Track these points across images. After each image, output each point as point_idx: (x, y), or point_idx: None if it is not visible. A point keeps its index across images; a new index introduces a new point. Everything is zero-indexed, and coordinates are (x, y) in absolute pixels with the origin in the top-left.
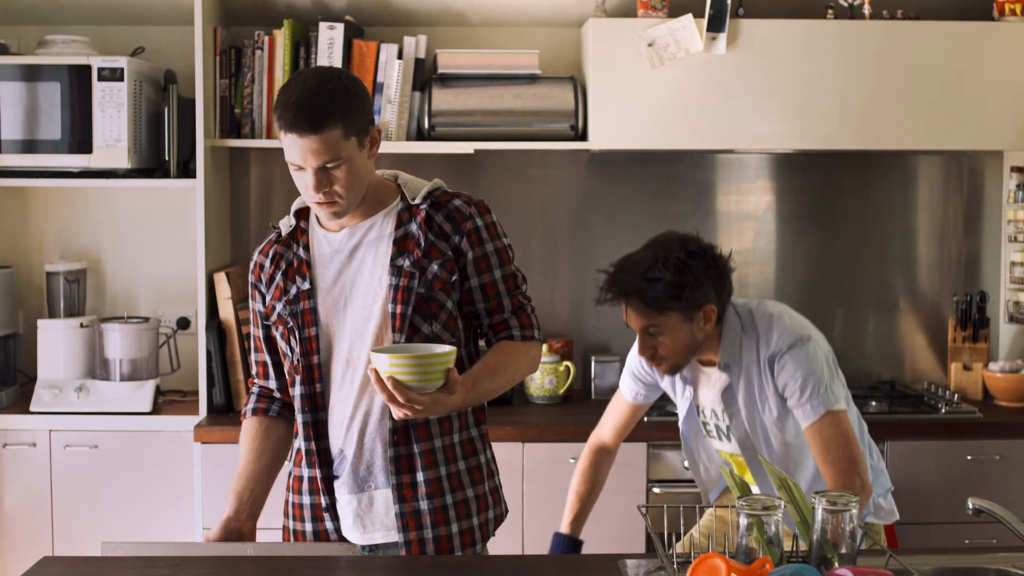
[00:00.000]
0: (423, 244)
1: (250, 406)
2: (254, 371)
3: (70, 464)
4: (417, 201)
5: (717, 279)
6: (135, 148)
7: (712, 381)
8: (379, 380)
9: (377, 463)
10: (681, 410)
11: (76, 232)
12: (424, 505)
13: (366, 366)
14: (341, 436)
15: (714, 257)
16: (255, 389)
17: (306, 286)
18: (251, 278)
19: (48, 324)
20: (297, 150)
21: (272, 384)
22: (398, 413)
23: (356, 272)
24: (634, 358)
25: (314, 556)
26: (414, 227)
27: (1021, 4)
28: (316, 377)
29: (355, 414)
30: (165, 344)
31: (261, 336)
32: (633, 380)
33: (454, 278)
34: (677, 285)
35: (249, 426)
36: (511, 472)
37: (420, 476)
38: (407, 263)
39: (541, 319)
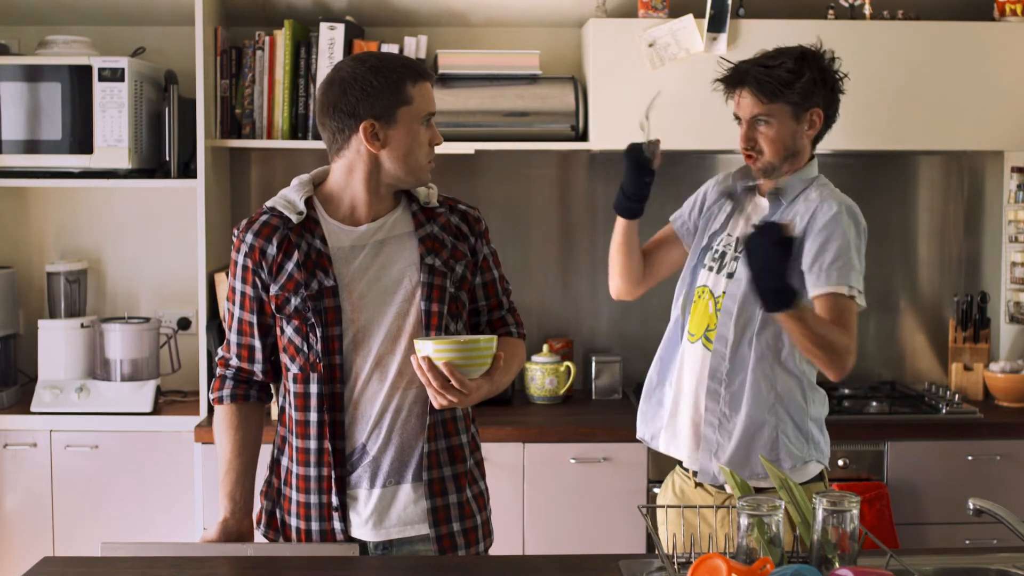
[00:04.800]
0: (448, 246)
1: (226, 391)
2: (233, 352)
3: (70, 464)
4: (434, 204)
5: (829, 90)
6: (136, 148)
7: (756, 207)
8: (431, 367)
9: (408, 458)
10: (712, 230)
11: (77, 232)
12: (453, 499)
13: (400, 362)
14: (365, 434)
15: (832, 68)
16: (229, 372)
17: (330, 282)
18: (242, 259)
19: (49, 324)
20: (432, 99)
21: (257, 368)
22: (443, 401)
23: (382, 268)
24: (707, 184)
25: (314, 556)
26: (436, 228)
27: (1021, 4)
28: (338, 377)
29: (384, 412)
30: (166, 344)
31: (254, 322)
32: (689, 203)
33: (471, 278)
34: (794, 72)
35: (228, 414)
36: (511, 472)
37: (448, 471)
38: (437, 262)
39: (542, 319)
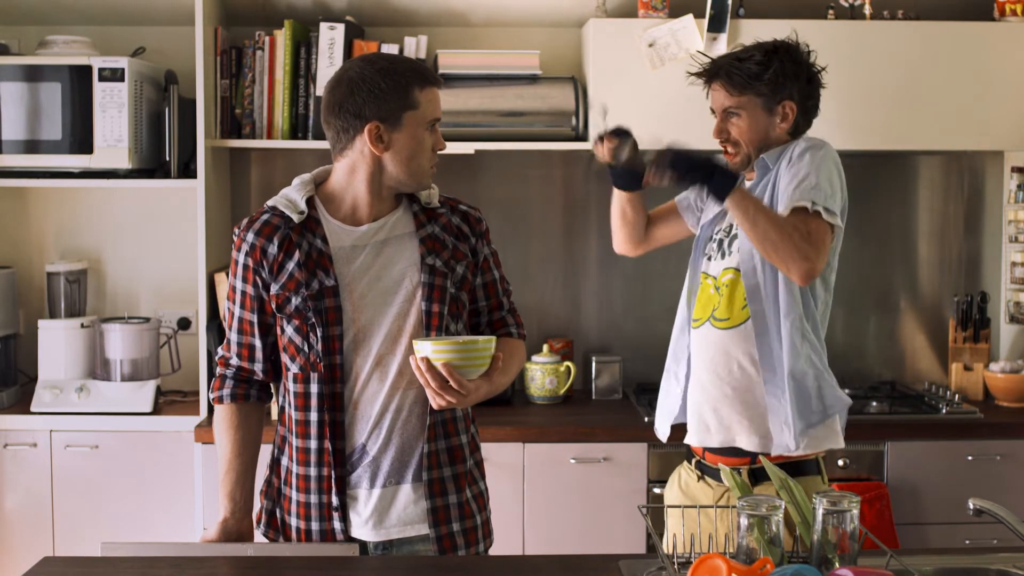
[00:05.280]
0: (449, 246)
1: (227, 391)
2: (233, 351)
3: (70, 464)
4: (435, 204)
5: (805, 80)
6: (136, 148)
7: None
8: (430, 368)
9: (408, 459)
10: (704, 220)
11: (77, 232)
12: (453, 499)
13: (400, 363)
14: (365, 434)
15: (808, 61)
16: (229, 372)
17: (331, 282)
18: (243, 258)
19: (49, 324)
20: (438, 105)
21: (257, 367)
22: (441, 402)
23: (383, 268)
24: None
25: (314, 556)
26: (438, 229)
27: (1021, 4)
28: (338, 377)
29: (385, 412)
30: (166, 344)
31: (254, 321)
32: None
33: (472, 279)
34: (763, 64)
35: (228, 414)
36: (511, 472)
37: (448, 471)
38: (438, 263)
39: (542, 319)
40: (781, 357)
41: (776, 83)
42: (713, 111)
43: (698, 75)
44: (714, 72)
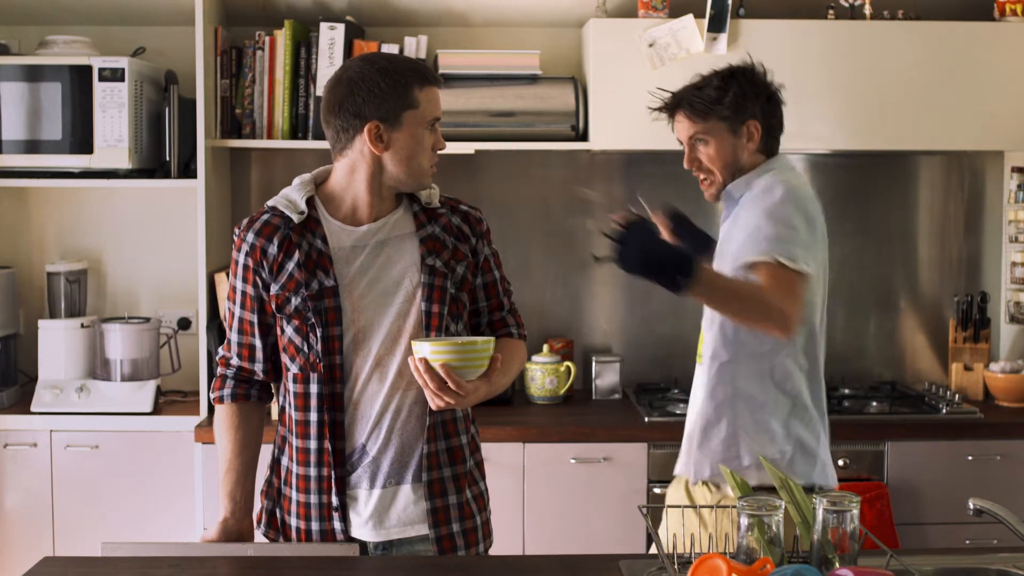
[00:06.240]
0: (450, 247)
1: (227, 391)
2: (234, 351)
3: (71, 464)
4: (435, 204)
5: (764, 98)
6: (136, 148)
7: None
8: (428, 369)
9: (408, 459)
10: None
11: (77, 232)
12: (453, 500)
13: (400, 363)
14: (365, 434)
15: (763, 80)
16: (230, 372)
17: (330, 282)
18: (243, 259)
19: (49, 324)
20: (438, 104)
21: (258, 367)
22: (440, 403)
23: (383, 269)
24: None
25: (314, 556)
26: (438, 229)
27: (1021, 4)
28: (338, 377)
29: (384, 412)
30: (166, 344)
31: (255, 321)
32: None
33: (472, 279)
34: (721, 89)
35: (228, 414)
36: (511, 472)
37: (448, 472)
38: (438, 263)
39: (542, 319)
40: (717, 397)
41: (737, 105)
42: (680, 142)
43: (659, 109)
44: (675, 104)
